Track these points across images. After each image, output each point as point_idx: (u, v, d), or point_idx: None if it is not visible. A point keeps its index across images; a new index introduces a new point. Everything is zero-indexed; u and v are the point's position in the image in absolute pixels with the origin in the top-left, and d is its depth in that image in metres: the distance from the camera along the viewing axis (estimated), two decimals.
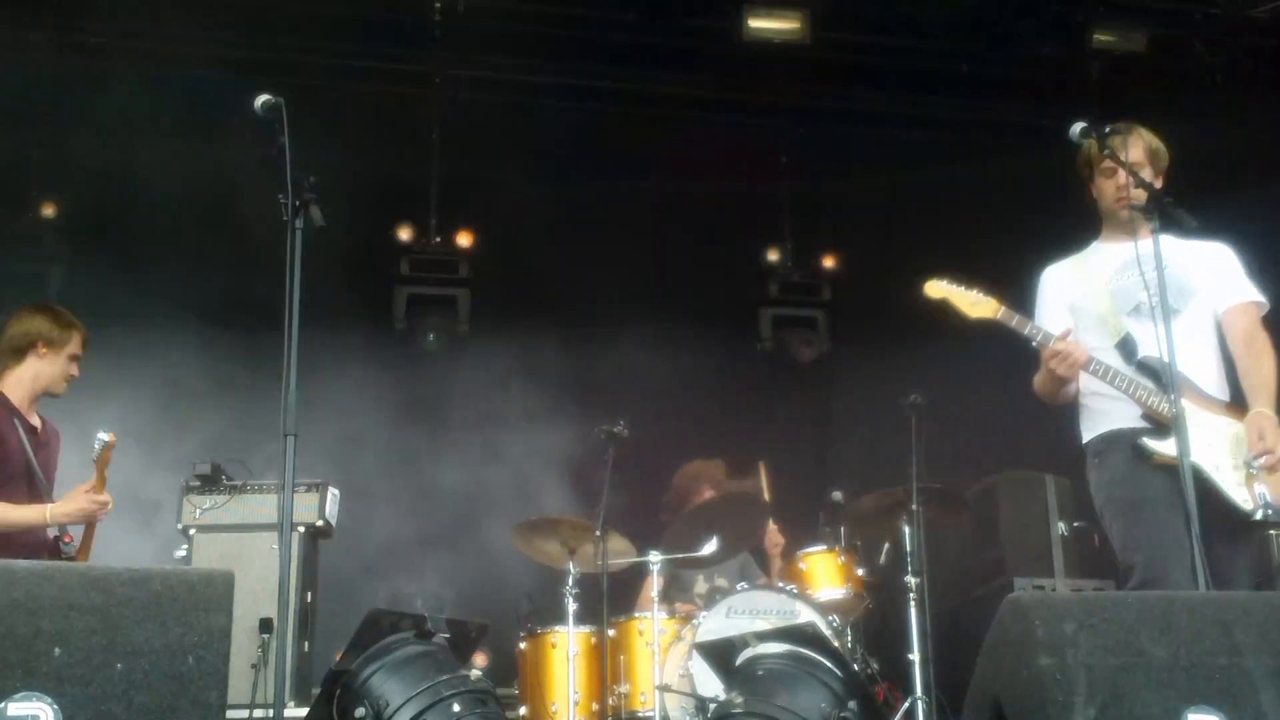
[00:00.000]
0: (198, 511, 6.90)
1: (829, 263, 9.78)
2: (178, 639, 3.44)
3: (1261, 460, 4.80)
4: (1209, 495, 4.73)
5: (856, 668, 4.50)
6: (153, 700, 3.36)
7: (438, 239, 9.19)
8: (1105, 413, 5.11)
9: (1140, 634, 3.88)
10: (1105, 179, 5.22)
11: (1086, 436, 5.21)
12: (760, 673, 4.02)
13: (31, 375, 5.61)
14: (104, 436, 5.33)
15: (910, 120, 10.61)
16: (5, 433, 5.44)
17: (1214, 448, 4.87)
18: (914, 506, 6.60)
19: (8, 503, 5.33)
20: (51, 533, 5.55)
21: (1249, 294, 5.18)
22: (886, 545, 7.42)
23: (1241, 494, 4.84)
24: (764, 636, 4.21)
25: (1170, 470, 4.67)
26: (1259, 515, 4.80)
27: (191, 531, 6.90)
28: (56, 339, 5.65)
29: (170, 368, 8.47)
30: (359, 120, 9.21)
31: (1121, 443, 5.01)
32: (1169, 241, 4.91)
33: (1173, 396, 4.61)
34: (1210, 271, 5.18)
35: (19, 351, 5.62)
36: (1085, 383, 5.15)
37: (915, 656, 6.47)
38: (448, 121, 9.50)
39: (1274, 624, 3.97)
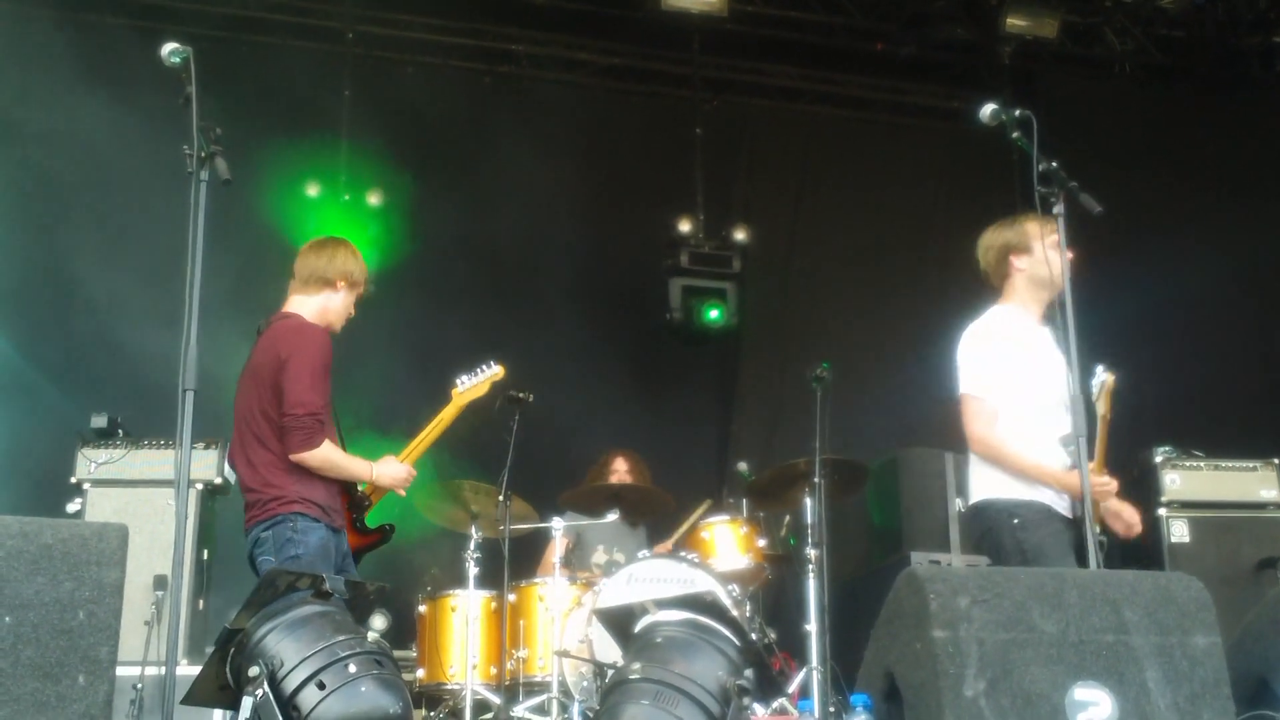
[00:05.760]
0: (92, 465, 6.75)
1: (740, 235, 9.80)
2: (68, 593, 3.39)
3: None
4: None
5: (754, 637, 4.53)
6: (41, 655, 3.32)
7: (347, 197, 9.07)
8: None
9: (1031, 609, 3.96)
10: (1057, 251, 4.82)
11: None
12: (658, 640, 4.03)
13: (322, 308, 5.39)
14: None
15: (823, 96, 10.72)
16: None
17: None
18: (816, 479, 6.64)
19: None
20: None
21: None
22: (788, 517, 7.49)
23: None
24: (663, 604, 4.21)
25: None
26: None
27: (86, 486, 6.75)
28: (358, 278, 5.46)
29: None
30: (271, 74, 9.06)
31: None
32: None
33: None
34: None
35: (321, 282, 5.39)
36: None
37: (813, 627, 6.52)
38: (360, 79, 9.37)
39: (1160, 603, 4.08)
